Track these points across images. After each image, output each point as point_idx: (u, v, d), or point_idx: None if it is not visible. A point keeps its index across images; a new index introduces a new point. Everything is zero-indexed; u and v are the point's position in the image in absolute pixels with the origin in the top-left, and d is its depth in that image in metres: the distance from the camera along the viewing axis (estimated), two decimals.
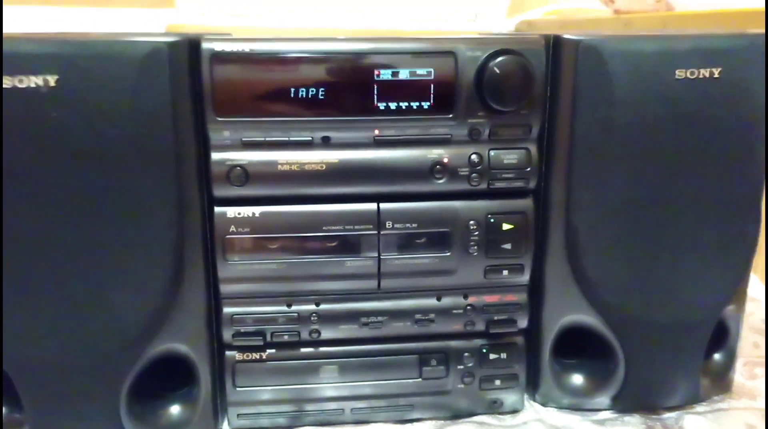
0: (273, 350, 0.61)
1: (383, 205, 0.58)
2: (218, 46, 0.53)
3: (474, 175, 0.58)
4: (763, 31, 0.60)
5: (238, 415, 0.62)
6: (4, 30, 0.57)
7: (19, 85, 0.48)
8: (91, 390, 0.56)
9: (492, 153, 0.58)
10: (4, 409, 0.57)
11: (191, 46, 0.52)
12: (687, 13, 1.14)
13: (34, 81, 0.48)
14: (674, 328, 0.63)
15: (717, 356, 0.68)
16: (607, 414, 0.66)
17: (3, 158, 0.50)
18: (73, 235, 0.52)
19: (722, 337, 0.68)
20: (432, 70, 0.55)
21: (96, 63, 0.49)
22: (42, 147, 0.50)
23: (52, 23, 1.24)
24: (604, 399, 0.66)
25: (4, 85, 0.48)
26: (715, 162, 0.59)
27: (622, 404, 0.66)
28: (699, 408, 0.67)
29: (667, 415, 0.65)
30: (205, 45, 0.53)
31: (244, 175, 0.55)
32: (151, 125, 0.51)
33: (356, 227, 0.58)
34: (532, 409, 0.67)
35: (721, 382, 0.68)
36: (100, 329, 0.54)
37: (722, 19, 0.98)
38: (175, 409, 0.60)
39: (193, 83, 0.53)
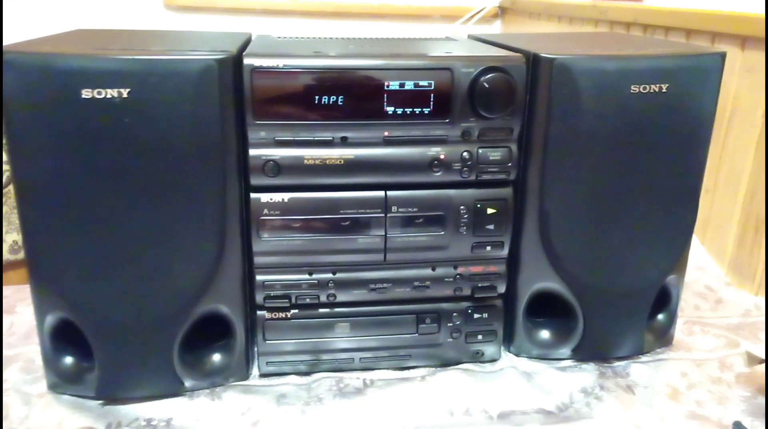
0: (296, 310, 0.71)
1: (390, 193, 0.68)
2: (257, 62, 0.62)
3: (465, 168, 0.68)
4: (703, 52, 0.71)
5: (266, 362, 0.73)
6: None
7: (98, 96, 0.57)
8: (151, 342, 0.66)
9: (480, 151, 0.68)
10: (74, 359, 0.68)
11: (235, 62, 0.62)
12: (656, 8, 1.23)
13: (110, 93, 0.57)
14: (624, 294, 0.74)
15: (660, 316, 0.80)
16: (568, 362, 0.77)
17: (84, 155, 0.59)
18: (140, 217, 0.62)
19: (666, 301, 0.79)
20: (432, 82, 0.64)
21: (160, 78, 0.58)
22: (116, 146, 0.59)
23: None
24: (566, 350, 0.77)
25: (85, 96, 0.57)
26: (662, 161, 0.69)
27: (581, 355, 0.77)
28: (644, 358, 0.78)
29: (617, 363, 0.77)
30: (247, 61, 0.62)
31: (277, 167, 0.65)
32: (203, 127, 0.61)
33: (367, 211, 0.68)
34: (507, 359, 0.78)
35: (663, 337, 0.80)
36: (160, 293, 0.64)
37: (687, 18, 1.07)
38: (216, 358, 0.71)
39: (236, 92, 0.62)
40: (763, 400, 0.70)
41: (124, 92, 0.58)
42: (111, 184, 0.60)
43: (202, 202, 0.63)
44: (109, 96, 0.58)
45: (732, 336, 0.84)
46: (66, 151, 0.59)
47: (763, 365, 0.73)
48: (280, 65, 0.62)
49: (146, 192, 0.61)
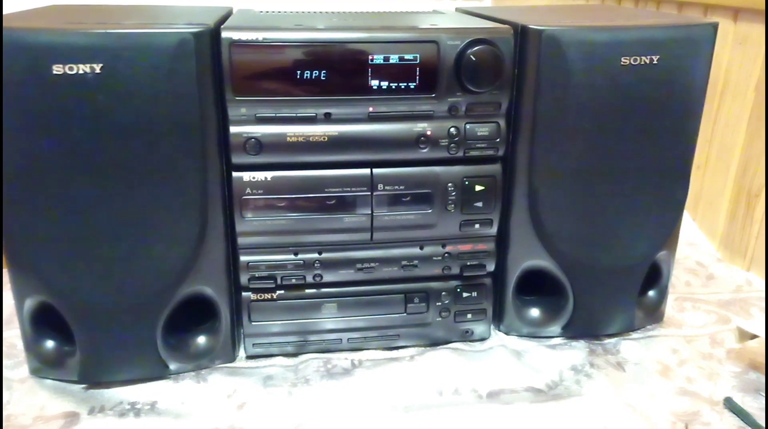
0: (282, 291, 0.70)
1: (376, 171, 0.66)
2: (235, 35, 0.60)
3: (452, 144, 0.66)
4: (695, 22, 0.69)
5: (253, 344, 0.72)
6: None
7: (70, 72, 0.55)
8: (133, 326, 0.65)
9: (467, 126, 0.66)
10: (56, 343, 0.67)
11: (212, 35, 0.59)
12: None
13: (82, 68, 0.55)
14: (614, 271, 0.74)
15: (651, 293, 0.79)
16: (558, 340, 0.77)
17: (57, 134, 0.57)
18: (118, 198, 0.60)
19: (656, 277, 0.78)
20: (418, 55, 0.63)
21: (134, 52, 0.56)
22: (90, 124, 0.57)
23: None
24: (555, 328, 0.76)
25: (56, 72, 0.55)
26: (653, 136, 0.68)
27: (571, 332, 0.76)
28: (634, 335, 0.78)
29: (607, 340, 0.77)
30: (225, 34, 0.59)
31: (258, 145, 0.63)
32: (180, 104, 0.59)
33: (353, 189, 0.66)
34: (497, 337, 0.77)
35: (654, 314, 0.80)
36: (141, 276, 0.63)
37: None
38: (201, 340, 0.69)
39: (214, 67, 0.60)
40: (753, 375, 0.70)
41: (97, 68, 0.56)
42: (86, 163, 0.58)
43: (181, 181, 0.61)
44: (81, 72, 0.56)
45: (723, 312, 0.83)
46: (38, 130, 0.57)
47: (754, 341, 0.73)
48: (260, 38, 0.60)
49: (123, 171, 0.59)
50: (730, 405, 0.65)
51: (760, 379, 0.69)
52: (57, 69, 0.55)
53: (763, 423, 0.62)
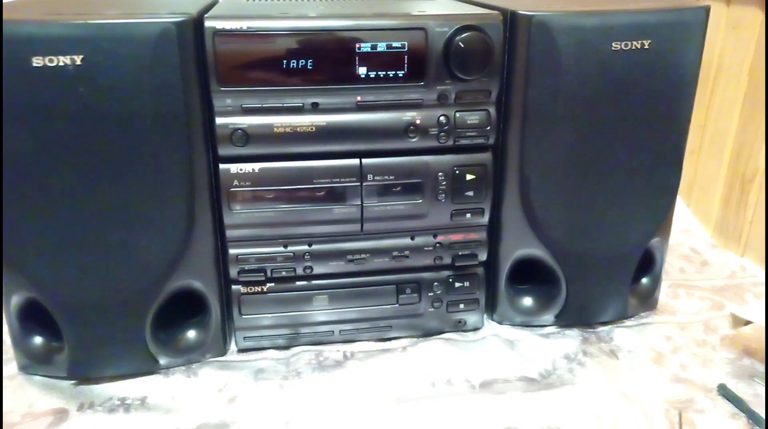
0: (273, 284, 0.69)
1: (365, 161, 0.65)
2: (219, 25, 0.58)
3: (442, 133, 0.66)
4: (686, 5, 0.68)
5: (244, 337, 0.71)
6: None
7: (50, 64, 0.54)
8: (121, 321, 0.64)
9: (457, 114, 0.65)
10: (44, 339, 0.66)
11: (196, 25, 0.58)
12: None
13: (62, 60, 0.54)
14: (607, 259, 0.73)
15: (645, 280, 0.79)
16: (551, 329, 0.76)
17: (38, 128, 0.56)
18: (103, 192, 0.59)
19: (650, 264, 0.78)
20: (406, 43, 0.62)
21: (115, 43, 0.55)
22: (72, 117, 0.56)
23: None
24: (549, 317, 0.76)
25: (35, 65, 0.54)
26: (645, 121, 0.67)
27: (564, 321, 0.76)
28: (628, 322, 0.78)
29: (601, 328, 0.77)
30: (208, 24, 0.58)
31: (245, 136, 0.62)
32: (164, 95, 0.58)
33: (342, 180, 0.65)
34: (490, 327, 0.77)
35: (647, 301, 0.79)
36: (128, 270, 0.62)
37: None
38: (191, 334, 0.69)
39: (198, 57, 0.59)
40: (747, 361, 0.70)
41: (78, 59, 0.55)
42: (69, 157, 0.57)
43: (167, 174, 0.60)
44: (61, 64, 0.54)
45: (717, 298, 0.83)
46: (19, 124, 0.56)
47: (748, 327, 0.73)
48: (244, 27, 0.59)
49: (107, 165, 0.58)
50: (724, 391, 0.65)
51: (754, 365, 0.69)
52: (37, 61, 0.54)
53: (756, 409, 0.62)
